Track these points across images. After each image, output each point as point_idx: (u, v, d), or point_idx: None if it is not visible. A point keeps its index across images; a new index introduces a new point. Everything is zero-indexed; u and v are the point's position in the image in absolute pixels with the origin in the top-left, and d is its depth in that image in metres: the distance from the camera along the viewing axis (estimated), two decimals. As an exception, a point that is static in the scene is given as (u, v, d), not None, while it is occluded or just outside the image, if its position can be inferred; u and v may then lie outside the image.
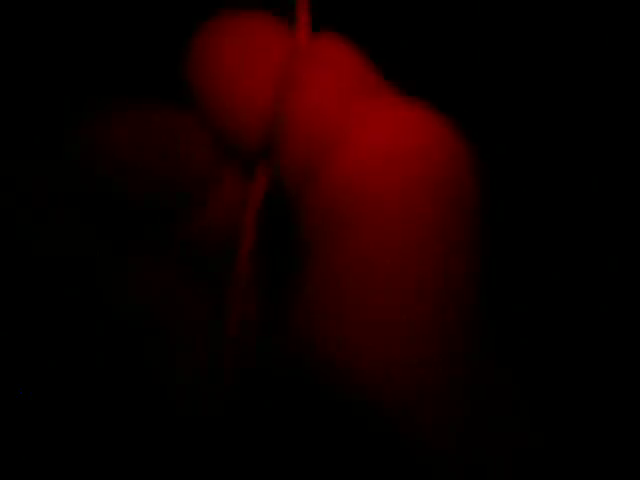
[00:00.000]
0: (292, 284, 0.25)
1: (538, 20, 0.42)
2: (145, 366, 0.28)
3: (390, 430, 0.22)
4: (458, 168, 0.25)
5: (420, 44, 0.42)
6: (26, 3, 0.41)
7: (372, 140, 0.25)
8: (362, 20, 0.40)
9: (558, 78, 0.42)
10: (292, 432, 0.23)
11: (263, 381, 0.24)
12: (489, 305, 0.24)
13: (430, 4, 0.42)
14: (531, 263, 0.40)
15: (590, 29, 0.42)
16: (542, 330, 0.37)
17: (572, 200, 0.42)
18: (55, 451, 0.28)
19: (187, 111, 0.29)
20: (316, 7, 0.29)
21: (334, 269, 0.24)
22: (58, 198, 0.28)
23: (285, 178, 0.27)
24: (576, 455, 0.25)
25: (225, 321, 0.28)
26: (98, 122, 0.28)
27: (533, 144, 0.42)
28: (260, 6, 0.29)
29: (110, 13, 0.41)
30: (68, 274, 0.28)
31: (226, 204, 0.29)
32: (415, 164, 0.24)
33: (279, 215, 0.28)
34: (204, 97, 0.28)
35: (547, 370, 0.33)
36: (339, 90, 0.26)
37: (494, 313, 0.24)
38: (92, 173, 0.28)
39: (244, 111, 0.28)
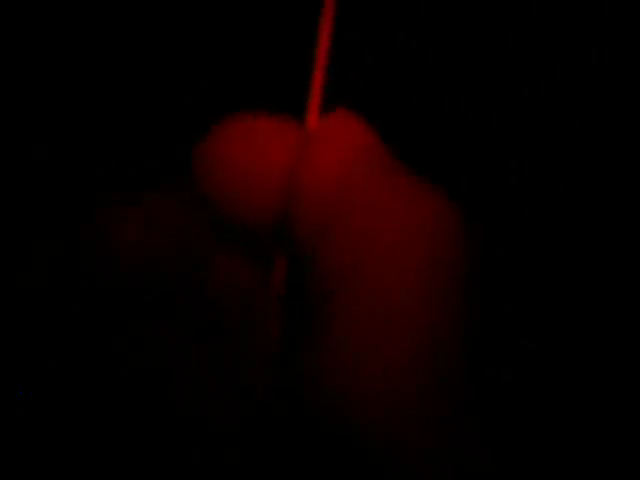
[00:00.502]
0: (309, 331, 0.28)
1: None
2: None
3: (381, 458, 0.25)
4: (452, 240, 0.27)
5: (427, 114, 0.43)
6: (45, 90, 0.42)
7: (377, 211, 0.28)
8: (374, 96, 0.41)
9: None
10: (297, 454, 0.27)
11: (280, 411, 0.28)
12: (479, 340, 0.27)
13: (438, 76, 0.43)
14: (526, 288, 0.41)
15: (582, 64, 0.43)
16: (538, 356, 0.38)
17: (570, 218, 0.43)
18: (70, 454, 0.29)
19: (192, 202, 0.30)
20: (329, 87, 0.31)
21: (346, 320, 0.27)
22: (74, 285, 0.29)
23: (300, 244, 0.29)
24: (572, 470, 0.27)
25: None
26: (110, 218, 0.29)
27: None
28: (271, 106, 0.30)
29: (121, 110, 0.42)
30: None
31: (227, 282, 0.31)
32: (416, 237, 0.27)
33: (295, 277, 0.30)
34: (215, 192, 0.30)
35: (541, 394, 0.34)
36: (347, 167, 0.28)
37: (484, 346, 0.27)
38: (103, 268, 0.29)
39: (257, 198, 0.29)
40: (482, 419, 0.26)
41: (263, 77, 0.42)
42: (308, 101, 0.31)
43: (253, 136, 0.29)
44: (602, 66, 0.42)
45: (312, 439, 0.26)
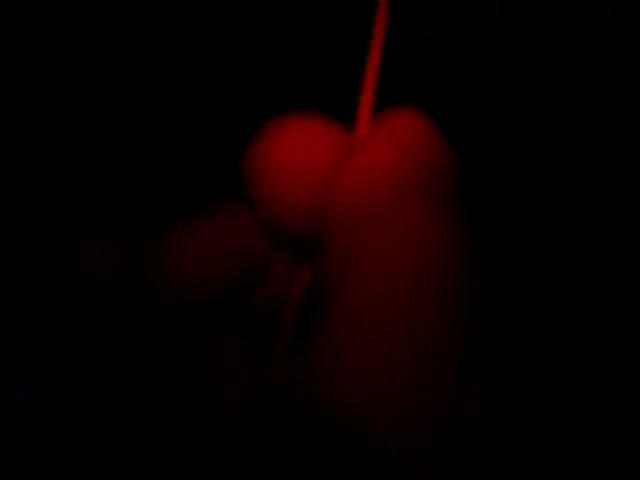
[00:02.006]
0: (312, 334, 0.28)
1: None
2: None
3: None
4: (460, 260, 0.27)
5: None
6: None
7: (393, 224, 0.28)
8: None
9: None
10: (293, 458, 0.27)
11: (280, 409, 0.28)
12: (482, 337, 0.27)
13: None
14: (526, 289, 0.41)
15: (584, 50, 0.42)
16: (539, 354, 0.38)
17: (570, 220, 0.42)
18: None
19: (247, 211, 0.31)
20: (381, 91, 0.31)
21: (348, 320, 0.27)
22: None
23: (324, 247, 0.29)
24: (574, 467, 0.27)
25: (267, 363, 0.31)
26: (171, 238, 0.30)
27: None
28: (322, 108, 0.31)
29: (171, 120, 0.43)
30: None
31: (276, 290, 0.32)
32: (425, 255, 0.27)
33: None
34: (265, 196, 0.30)
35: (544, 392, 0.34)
36: (380, 178, 0.28)
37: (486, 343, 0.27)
38: (168, 283, 0.30)
39: (300, 208, 0.30)
40: (480, 420, 0.26)
41: (316, 81, 0.42)
42: (360, 104, 0.31)
43: (302, 140, 0.30)
44: (602, 67, 0.42)
45: (307, 440, 0.26)
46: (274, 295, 0.31)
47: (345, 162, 0.29)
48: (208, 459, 0.29)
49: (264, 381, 0.30)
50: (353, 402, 0.26)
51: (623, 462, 0.27)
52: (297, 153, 0.30)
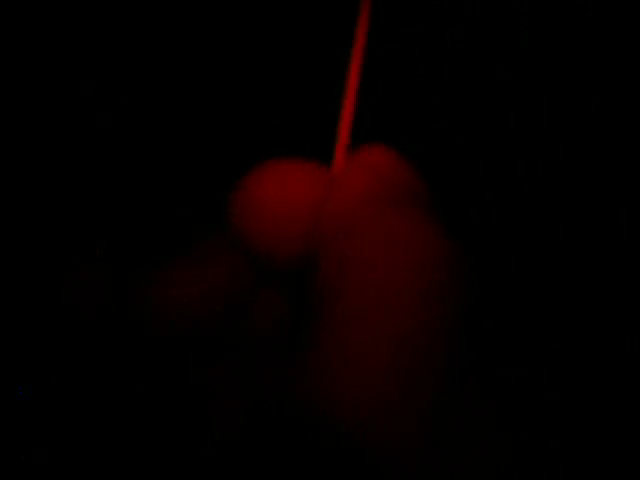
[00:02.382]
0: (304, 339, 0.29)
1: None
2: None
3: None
4: (451, 272, 0.29)
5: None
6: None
7: (384, 239, 0.29)
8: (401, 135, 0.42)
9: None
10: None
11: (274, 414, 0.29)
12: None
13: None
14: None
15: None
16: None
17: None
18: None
19: (231, 248, 0.32)
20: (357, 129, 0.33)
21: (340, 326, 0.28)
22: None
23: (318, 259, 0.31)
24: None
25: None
26: (156, 274, 0.32)
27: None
28: (300, 151, 0.33)
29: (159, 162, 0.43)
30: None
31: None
32: (416, 265, 0.29)
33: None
34: (251, 233, 0.32)
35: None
36: (363, 201, 0.30)
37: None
38: (152, 317, 0.31)
39: (285, 241, 0.32)
40: (472, 422, 0.27)
41: (293, 122, 0.43)
42: (336, 144, 0.33)
43: (283, 182, 0.32)
44: (602, 69, 0.42)
45: (303, 439, 0.27)
46: (261, 325, 0.33)
47: (328, 194, 0.31)
48: (207, 463, 0.30)
49: (260, 389, 0.31)
50: (347, 405, 0.27)
51: (620, 463, 0.28)
52: (279, 191, 0.32)
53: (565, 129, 0.43)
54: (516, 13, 0.42)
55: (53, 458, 0.29)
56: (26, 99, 0.41)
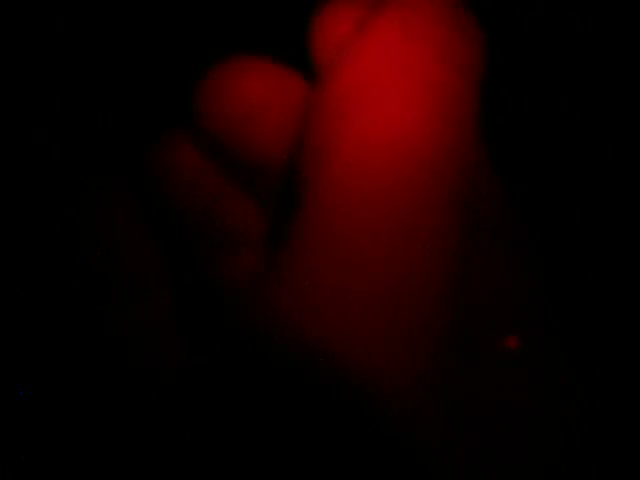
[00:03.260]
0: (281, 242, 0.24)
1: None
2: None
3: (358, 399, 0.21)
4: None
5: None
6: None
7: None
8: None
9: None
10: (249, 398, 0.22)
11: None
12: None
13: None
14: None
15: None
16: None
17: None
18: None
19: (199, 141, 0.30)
20: None
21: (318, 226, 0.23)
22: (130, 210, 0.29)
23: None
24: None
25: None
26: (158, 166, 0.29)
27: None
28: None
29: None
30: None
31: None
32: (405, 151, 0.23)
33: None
34: (221, 127, 0.29)
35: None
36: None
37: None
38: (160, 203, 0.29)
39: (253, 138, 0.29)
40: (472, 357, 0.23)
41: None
42: None
43: (262, 69, 0.29)
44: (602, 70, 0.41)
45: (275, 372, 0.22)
46: (231, 227, 0.30)
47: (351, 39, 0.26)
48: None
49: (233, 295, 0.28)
50: (327, 328, 0.21)
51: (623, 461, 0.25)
52: (255, 85, 0.28)
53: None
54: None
55: (53, 458, 0.29)
56: (26, 99, 0.41)
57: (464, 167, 0.23)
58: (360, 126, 0.23)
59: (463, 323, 0.23)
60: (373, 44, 0.25)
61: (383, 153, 0.23)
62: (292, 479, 0.22)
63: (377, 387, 0.21)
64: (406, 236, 0.22)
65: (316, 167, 0.24)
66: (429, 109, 0.23)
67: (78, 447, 0.28)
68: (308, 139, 0.25)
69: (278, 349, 0.21)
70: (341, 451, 0.21)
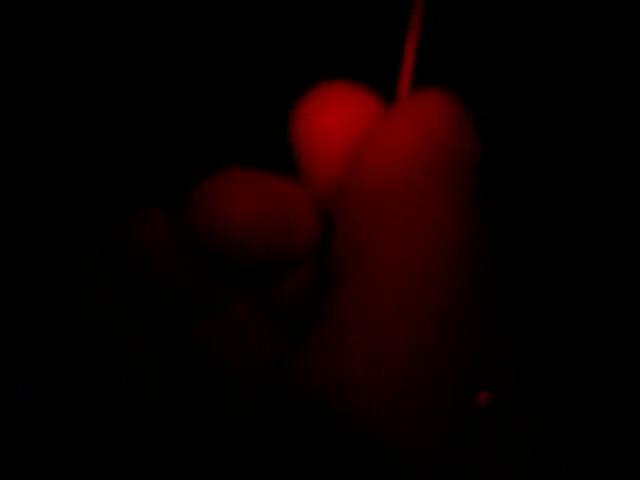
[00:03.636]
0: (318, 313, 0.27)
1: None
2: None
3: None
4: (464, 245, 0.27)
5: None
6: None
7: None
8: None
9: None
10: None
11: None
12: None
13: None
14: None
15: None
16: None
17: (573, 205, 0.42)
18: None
19: (294, 177, 0.30)
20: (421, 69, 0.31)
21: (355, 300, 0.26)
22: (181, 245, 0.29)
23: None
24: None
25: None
26: (221, 192, 0.28)
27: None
28: (358, 77, 0.31)
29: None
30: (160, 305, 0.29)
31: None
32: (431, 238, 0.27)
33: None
34: (305, 160, 0.30)
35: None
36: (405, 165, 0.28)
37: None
38: (215, 234, 0.28)
39: (332, 169, 0.29)
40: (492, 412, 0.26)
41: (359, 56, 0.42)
42: (398, 81, 0.31)
43: (335, 105, 0.30)
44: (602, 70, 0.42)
45: (305, 428, 0.25)
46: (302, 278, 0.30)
47: (370, 137, 0.29)
48: (214, 449, 0.28)
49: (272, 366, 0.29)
50: (357, 391, 0.24)
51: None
52: (334, 117, 0.29)
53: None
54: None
55: (53, 458, 0.29)
56: (26, 99, 0.42)
57: (482, 248, 0.27)
58: (395, 222, 0.27)
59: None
60: (396, 141, 0.28)
61: (414, 247, 0.26)
62: None
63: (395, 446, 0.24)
64: (429, 324, 0.25)
65: (356, 259, 0.27)
66: (455, 206, 0.27)
67: (78, 447, 0.29)
68: (345, 231, 0.28)
69: (318, 413, 0.25)
70: None
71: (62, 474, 0.29)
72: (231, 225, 0.28)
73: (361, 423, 0.24)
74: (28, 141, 0.42)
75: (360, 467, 0.24)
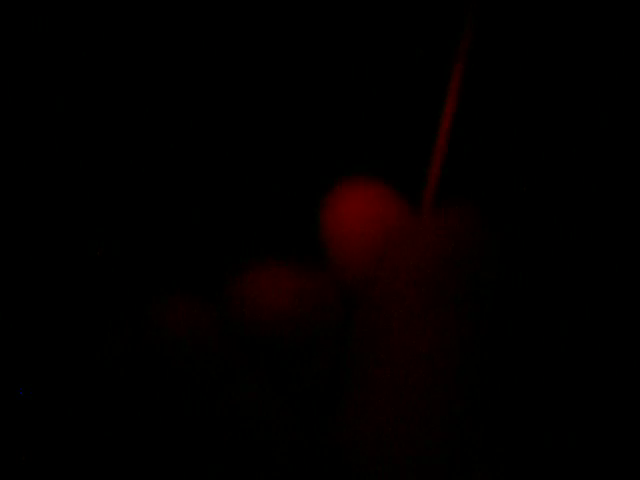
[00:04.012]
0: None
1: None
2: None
3: None
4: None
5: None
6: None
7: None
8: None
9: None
10: None
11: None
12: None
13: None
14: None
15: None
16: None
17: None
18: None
19: (321, 268, 0.33)
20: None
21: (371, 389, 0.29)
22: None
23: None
24: None
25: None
26: (251, 283, 0.31)
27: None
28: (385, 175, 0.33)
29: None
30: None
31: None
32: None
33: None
34: (332, 251, 0.32)
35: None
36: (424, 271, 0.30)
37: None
38: (250, 321, 0.31)
39: (358, 264, 0.32)
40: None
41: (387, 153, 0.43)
42: (425, 188, 0.33)
43: (366, 206, 0.32)
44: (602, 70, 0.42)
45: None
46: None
47: (397, 241, 0.31)
48: None
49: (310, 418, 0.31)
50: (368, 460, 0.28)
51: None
52: (361, 214, 0.32)
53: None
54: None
55: (53, 458, 0.29)
56: (26, 99, 0.41)
57: (476, 375, 0.30)
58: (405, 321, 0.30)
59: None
60: (421, 252, 0.31)
61: (417, 351, 0.30)
62: None
63: None
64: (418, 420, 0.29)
65: (371, 343, 0.30)
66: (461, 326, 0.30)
67: (78, 447, 0.29)
68: (366, 317, 0.31)
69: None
70: None
71: (62, 474, 0.29)
72: (268, 317, 0.31)
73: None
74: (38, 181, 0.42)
75: None
